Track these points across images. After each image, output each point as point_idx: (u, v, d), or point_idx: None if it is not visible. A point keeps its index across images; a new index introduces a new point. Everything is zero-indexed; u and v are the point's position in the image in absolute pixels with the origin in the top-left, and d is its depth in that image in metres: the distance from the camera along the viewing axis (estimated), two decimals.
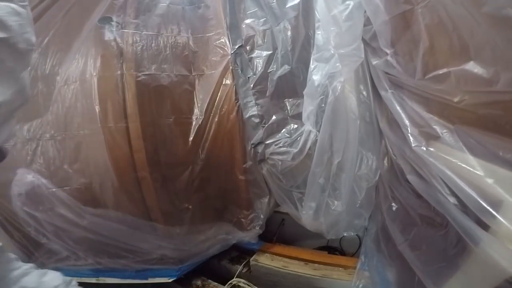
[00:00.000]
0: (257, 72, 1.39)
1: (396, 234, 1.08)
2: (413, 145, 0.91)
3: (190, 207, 1.43)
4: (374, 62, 1.10)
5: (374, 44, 1.10)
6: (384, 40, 0.98)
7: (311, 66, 1.23)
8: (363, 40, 1.15)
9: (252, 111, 1.40)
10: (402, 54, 0.90)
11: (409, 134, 0.94)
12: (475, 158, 0.76)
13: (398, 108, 1.00)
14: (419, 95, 0.93)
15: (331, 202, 1.35)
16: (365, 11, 1.12)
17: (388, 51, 0.96)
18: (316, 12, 1.21)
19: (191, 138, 1.39)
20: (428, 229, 0.94)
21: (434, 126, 0.87)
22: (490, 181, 0.72)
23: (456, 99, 0.77)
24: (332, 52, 1.15)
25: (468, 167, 0.76)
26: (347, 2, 1.10)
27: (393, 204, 1.13)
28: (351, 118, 1.23)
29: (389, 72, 1.03)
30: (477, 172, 0.75)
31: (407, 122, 0.96)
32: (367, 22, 1.13)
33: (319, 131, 1.25)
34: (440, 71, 0.77)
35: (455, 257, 0.83)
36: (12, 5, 0.69)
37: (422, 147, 0.89)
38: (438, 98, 0.84)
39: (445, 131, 0.84)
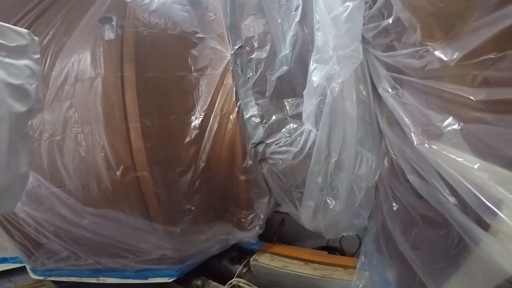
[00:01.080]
0: (256, 72, 1.40)
1: (397, 234, 1.08)
2: (415, 143, 0.91)
3: (191, 207, 1.43)
4: (386, 55, 1.08)
5: (382, 40, 1.09)
6: (424, 32, 0.96)
7: (311, 67, 1.24)
8: (364, 39, 1.15)
9: (253, 111, 1.40)
10: (447, 42, 0.89)
11: (411, 133, 0.94)
12: (478, 157, 0.77)
13: (400, 107, 1.00)
14: (426, 93, 0.93)
15: (329, 201, 1.35)
16: (365, 12, 1.13)
17: (429, 43, 0.95)
18: (315, 13, 1.21)
19: (191, 138, 1.39)
20: (429, 229, 0.94)
21: (438, 124, 0.87)
22: (491, 180, 0.73)
23: (472, 96, 0.78)
24: (331, 53, 1.15)
25: (470, 166, 0.77)
26: (346, 4, 1.10)
27: (394, 204, 1.13)
28: (349, 119, 1.24)
29: (403, 66, 1.02)
30: (479, 171, 0.75)
31: (409, 121, 0.96)
32: (367, 22, 1.13)
33: (318, 131, 1.26)
34: (492, 55, 0.76)
35: (456, 257, 0.83)
36: (29, 62, 0.69)
37: (425, 145, 0.89)
38: (451, 95, 0.84)
39: (449, 129, 0.85)
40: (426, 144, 0.89)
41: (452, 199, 0.83)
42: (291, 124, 1.39)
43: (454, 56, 0.84)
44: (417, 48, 0.94)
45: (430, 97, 0.92)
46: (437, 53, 0.89)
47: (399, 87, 1.04)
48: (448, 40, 0.87)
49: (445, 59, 0.86)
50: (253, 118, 1.41)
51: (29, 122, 0.68)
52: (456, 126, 0.84)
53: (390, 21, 1.03)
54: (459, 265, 0.84)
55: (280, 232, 1.84)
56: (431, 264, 0.93)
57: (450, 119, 0.86)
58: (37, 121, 1.34)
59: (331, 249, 1.77)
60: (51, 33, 1.42)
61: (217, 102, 1.41)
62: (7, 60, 0.66)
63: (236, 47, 1.41)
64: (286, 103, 1.41)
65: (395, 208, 1.12)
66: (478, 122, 0.79)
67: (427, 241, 0.96)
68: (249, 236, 1.60)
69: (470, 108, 0.81)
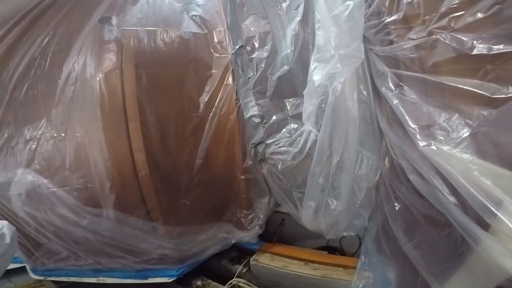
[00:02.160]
0: (257, 72, 1.40)
1: (399, 234, 1.08)
2: (421, 145, 0.90)
3: (191, 206, 1.43)
4: (389, 49, 1.07)
5: (383, 37, 1.09)
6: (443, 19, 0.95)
7: (312, 66, 1.23)
8: (365, 38, 1.15)
9: (253, 111, 1.40)
10: (460, 32, 0.88)
11: (417, 135, 0.93)
12: (482, 157, 0.77)
13: (403, 107, 0.99)
14: (431, 89, 0.92)
15: (331, 201, 1.35)
16: (365, 10, 1.12)
17: (439, 30, 0.94)
18: (316, 12, 1.21)
19: (191, 138, 1.39)
20: (432, 229, 0.94)
21: (443, 123, 0.87)
22: (491, 180, 0.73)
23: (488, 92, 0.78)
24: (333, 52, 1.15)
25: (472, 167, 0.77)
26: (347, 3, 1.10)
27: (396, 204, 1.12)
28: (351, 118, 1.23)
29: (407, 60, 1.01)
30: (481, 172, 0.75)
31: (413, 121, 0.95)
32: (367, 20, 1.13)
33: (319, 131, 1.26)
34: None
35: (460, 256, 0.83)
36: None
37: (432, 147, 0.88)
38: (459, 91, 0.84)
39: (454, 128, 0.85)
40: (432, 146, 0.88)
41: (452, 199, 0.83)
42: (292, 124, 1.39)
43: (473, 46, 0.83)
44: (426, 38, 0.94)
45: (435, 93, 0.92)
46: (451, 42, 0.88)
47: (402, 85, 1.04)
48: (463, 29, 0.86)
49: (461, 48, 0.85)
50: (253, 118, 1.41)
51: None
52: (462, 125, 0.84)
53: (395, 17, 1.03)
54: (462, 264, 0.84)
55: (280, 232, 1.84)
56: (435, 263, 0.93)
57: (455, 117, 0.86)
58: (39, 121, 1.34)
59: (331, 249, 1.77)
60: (51, 33, 1.42)
61: (217, 101, 1.41)
62: None
63: (237, 47, 1.41)
64: (286, 103, 1.41)
65: (397, 208, 1.12)
66: (485, 120, 0.79)
67: (431, 241, 0.96)
68: (249, 236, 1.59)
69: (477, 105, 0.81)
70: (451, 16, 0.88)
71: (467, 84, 0.84)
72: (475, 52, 0.83)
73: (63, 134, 1.31)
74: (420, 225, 0.99)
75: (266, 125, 1.40)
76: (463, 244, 0.82)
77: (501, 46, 0.79)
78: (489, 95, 0.79)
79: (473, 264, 0.81)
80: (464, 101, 0.86)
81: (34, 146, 1.33)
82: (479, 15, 0.83)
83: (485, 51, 0.81)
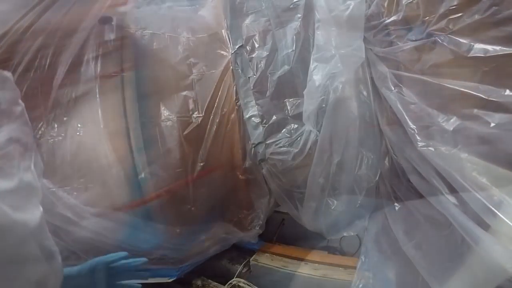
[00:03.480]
0: (257, 72, 1.40)
1: (399, 235, 1.08)
2: (419, 145, 0.91)
3: (191, 207, 1.43)
4: (389, 50, 1.08)
5: (383, 38, 1.09)
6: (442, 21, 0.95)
7: (311, 66, 1.23)
8: (366, 38, 1.16)
9: (253, 111, 1.40)
10: (459, 34, 0.88)
11: (416, 135, 0.93)
12: (479, 157, 0.77)
13: (402, 107, 1.00)
14: (430, 90, 0.93)
15: (331, 202, 1.35)
16: (366, 10, 1.13)
17: (438, 32, 0.94)
18: (316, 12, 1.21)
19: (191, 138, 1.39)
20: (432, 229, 0.95)
21: (442, 123, 0.87)
22: (491, 180, 0.73)
23: (484, 95, 0.78)
24: (333, 52, 1.15)
25: (471, 167, 0.77)
26: (348, 2, 1.11)
27: (396, 204, 1.13)
28: (351, 118, 1.23)
29: (407, 61, 1.01)
30: (480, 172, 0.75)
31: (412, 121, 0.96)
32: (367, 20, 1.14)
33: (319, 131, 1.26)
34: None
35: (460, 256, 0.84)
36: None
37: (430, 148, 0.89)
38: (457, 93, 0.84)
39: (452, 129, 0.85)
40: (430, 147, 0.89)
41: (452, 199, 0.84)
42: (292, 124, 1.39)
43: (470, 48, 0.84)
44: (424, 40, 0.94)
45: (434, 94, 0.92)
46: (448, 44, 0.88)
47: (402, 85, 1.04)
48: (461, 30, 0.87)
49: (458, 50, 0.86)
50: (253, 118, 1.41)
51: None
52: (460, 126, 0.85)
53: (394, 18, 1.03)
54: (462, 264, 0.84)
55: (280, 232, 1.84)
56: (435, 264, 0.93)
57: (454, 118, 0.86)
58: (38, 121, 1.33)
59: (331, 249, 1.77)
60: (51, 33, 1.42)
61: (216, 101, 1.41)
62: None
63: (237, 47, 1.41)
64: (287, 103, 1.41)
65: (397, 208, 1.12)
66: (483, 122, 0.79)
67: (431, 241, 0.96)
68: (249, 236, 1.59)
69: (475, 106, 0.81)
70: (449, 17, 0.89)
71: (464, 86, 0.85)
72: (472, 54, 0.83)
73: (63, 134, 1.31)
74: (420, 225, 0.99)
75: (266, 125, 1.40)
76: (463, 244, 0.83)
77: (497, 48, 0.80)
78: (486, 97, 0.80)
79: (473, 264, 0.81)
80: (462, 103, 0.86)
81: (34, 146, 1.32)
82: (477, 17, 0.84)
83: (481, 54, 0.82)
